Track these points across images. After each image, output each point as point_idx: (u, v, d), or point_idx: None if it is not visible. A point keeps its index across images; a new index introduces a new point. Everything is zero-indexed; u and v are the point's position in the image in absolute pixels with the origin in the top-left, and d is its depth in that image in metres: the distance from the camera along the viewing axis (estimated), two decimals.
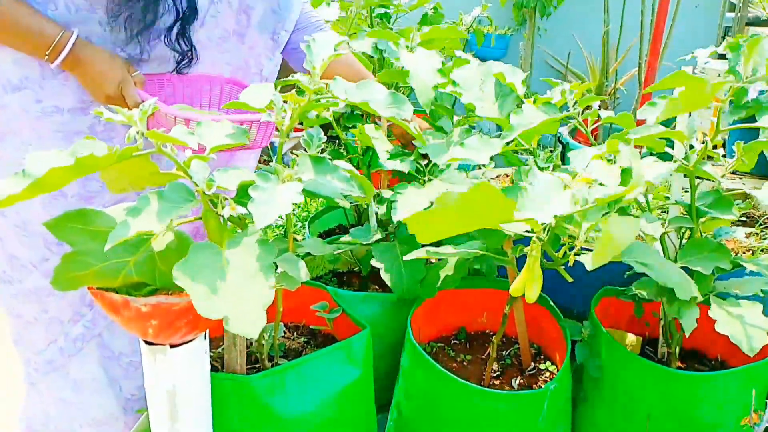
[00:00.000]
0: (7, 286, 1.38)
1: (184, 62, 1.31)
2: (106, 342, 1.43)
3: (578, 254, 0.99)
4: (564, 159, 2.65)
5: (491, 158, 1.18)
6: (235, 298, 0.78)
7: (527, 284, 0.98)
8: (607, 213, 0.88)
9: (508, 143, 1.19)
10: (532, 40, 3.85)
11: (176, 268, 0.79)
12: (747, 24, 3.30)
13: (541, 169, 1.15)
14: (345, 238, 1.45)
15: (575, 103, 1.22)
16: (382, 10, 1.96)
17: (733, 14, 3.37)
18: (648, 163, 1.06)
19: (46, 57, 1.19)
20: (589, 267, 0.93)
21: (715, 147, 1.15)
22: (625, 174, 0.93)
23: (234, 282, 0.79)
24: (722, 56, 1.25)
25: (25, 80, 1.24)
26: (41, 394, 1.46)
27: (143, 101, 1.20)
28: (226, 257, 0.82)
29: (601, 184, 0.92)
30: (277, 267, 0.88)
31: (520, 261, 1.22)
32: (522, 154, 1.37)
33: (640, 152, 1.14)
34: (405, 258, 1.09)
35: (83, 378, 1.44)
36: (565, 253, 1.04)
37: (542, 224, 0.92)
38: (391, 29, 1.72)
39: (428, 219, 0.85)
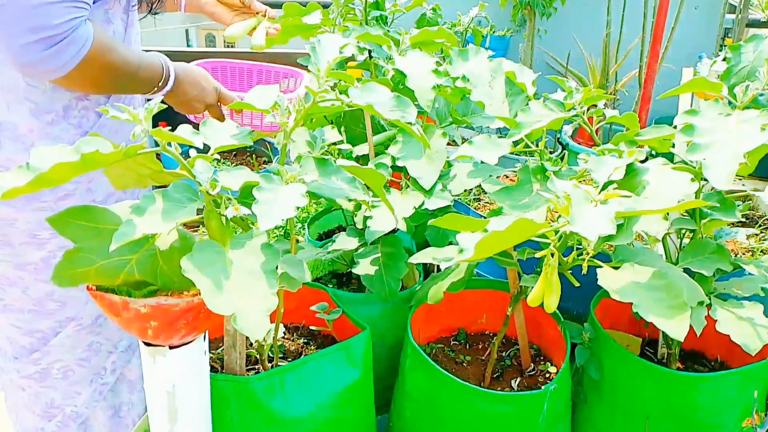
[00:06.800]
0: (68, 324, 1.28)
1: (156, 2, 1.28)
2: None
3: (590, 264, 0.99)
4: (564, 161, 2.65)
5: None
6: (240, 298, 0.78)
7: (546, 294, 0.98)
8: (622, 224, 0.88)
9: (515, 143, 1.18)
10: (531, 41, 3.85)
11: (184, 261, 0.79)
12: (747, 26, 3.30)
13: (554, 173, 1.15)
14: (335, 245, 1.43)
15: (581, 100, 1.22)
16: (378, 12, 1.94)
17: (733, 16, 3.37)
18: (674, 177, 1.00)
19: (155, 89, 1.15)
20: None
21: None
22: (630, 174, 0.92)
23: (238, 282, 0.79)
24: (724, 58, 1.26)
25: (49, 125, 1.13)
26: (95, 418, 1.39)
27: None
28: (229, 258, 0.82)
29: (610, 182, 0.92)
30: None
31: (522, 263, 1.22)
32: (523, 155, 1.37)
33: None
34: (411, 260, 1.07)
35: (136, 377, 1.42)
36: (574, 258, 1.04)
37: (558, 234, 0.93)
38: (388, 31, 1.70)
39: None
